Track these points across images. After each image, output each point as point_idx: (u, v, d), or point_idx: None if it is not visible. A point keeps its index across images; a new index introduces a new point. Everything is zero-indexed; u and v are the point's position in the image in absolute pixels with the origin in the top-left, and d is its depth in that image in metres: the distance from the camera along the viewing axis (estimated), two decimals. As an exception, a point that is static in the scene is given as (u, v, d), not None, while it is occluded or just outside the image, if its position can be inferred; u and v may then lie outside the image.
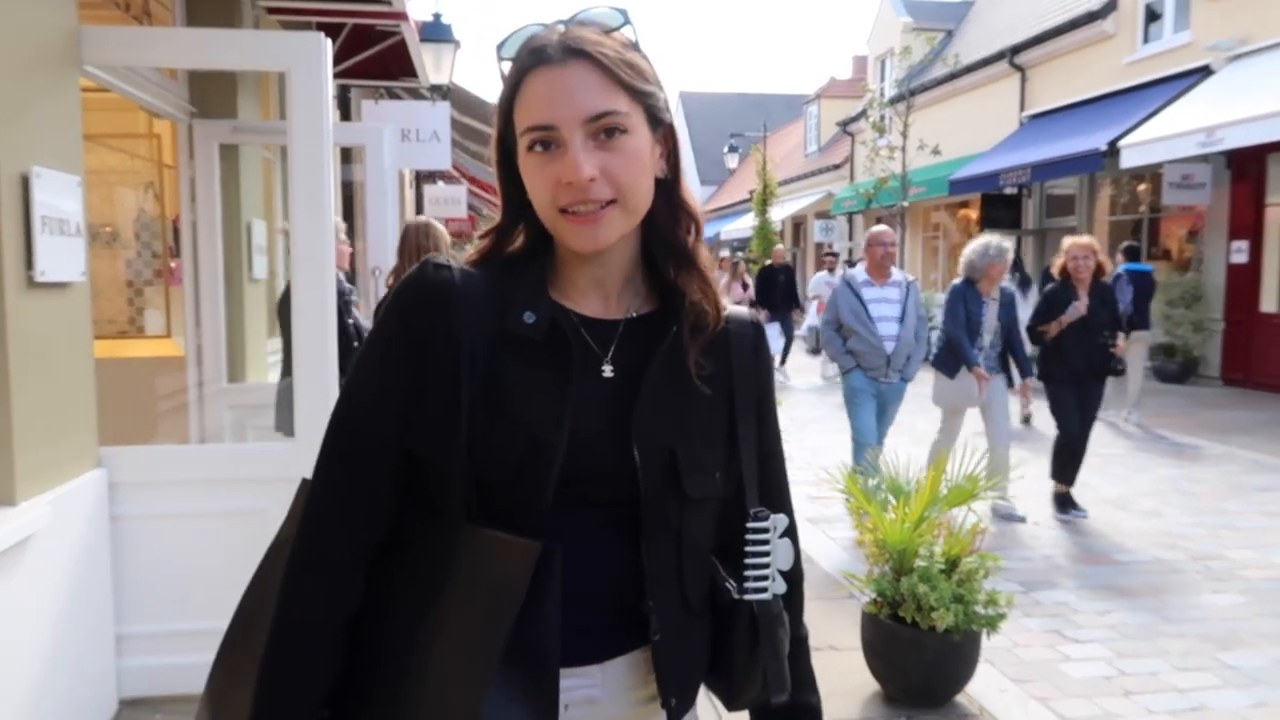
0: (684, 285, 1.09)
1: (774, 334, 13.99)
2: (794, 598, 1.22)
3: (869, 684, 3.44)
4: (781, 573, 1.15)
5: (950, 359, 5.83)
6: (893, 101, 17.79)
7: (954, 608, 3.14)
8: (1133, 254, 10.18)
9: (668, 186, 1.09)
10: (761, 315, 11.58)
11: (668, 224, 1.09)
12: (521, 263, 1.09)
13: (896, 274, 5.74)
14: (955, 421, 6.09)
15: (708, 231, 32.44)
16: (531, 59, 1.00)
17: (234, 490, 3.11)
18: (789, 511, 1.20)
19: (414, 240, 4.09)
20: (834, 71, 37.63)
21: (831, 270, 13.76)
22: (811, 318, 15.19)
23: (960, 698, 3.35)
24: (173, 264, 5.34)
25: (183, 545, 3.10)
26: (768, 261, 13.99)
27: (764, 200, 24.16)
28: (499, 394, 1.01)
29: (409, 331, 1.04)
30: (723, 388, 1.12)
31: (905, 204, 16.95)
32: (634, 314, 1.10)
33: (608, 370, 1.07)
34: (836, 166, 25.14)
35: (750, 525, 1.13)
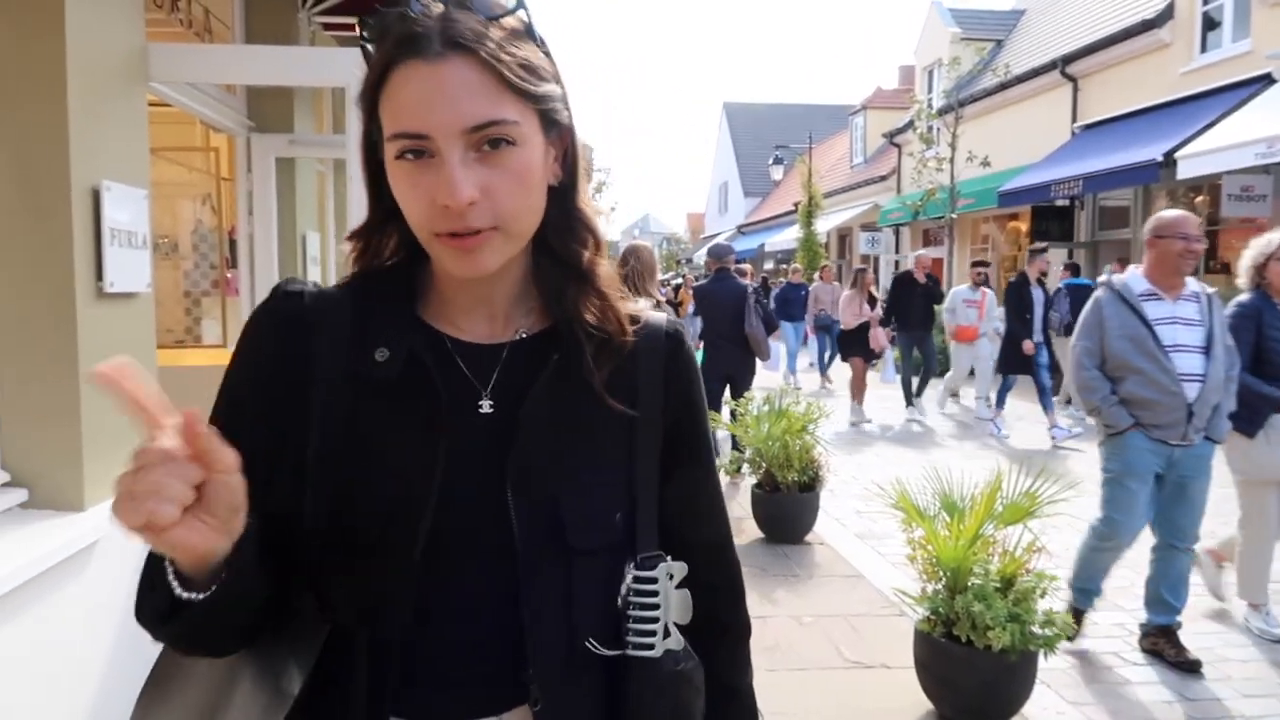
0: (579, 305, 0.95)
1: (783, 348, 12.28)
2: (723, 648, 1.08)
3: (922, 703, 3.39)
4: (679, 626, 0.98)
5: (1247, 410, 3.91)
6: (940, 113, 17.62)
7: (1010, 627, 3.08)
8: (1074, 270, 12.43)
9: (562, 194, 0.95)
10: (883, 336, 10.36)
11: (561, 237, 0.95)
12: (390, 278, 0.96)
13: (1192, 283, 3.88)
14: (1265, 500, 4.10)
15: (752, 243, 32.06)
16: (402, 49, 0.83)
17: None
18: (719, 549, 1.08)
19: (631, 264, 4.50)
20: (880, 82, 37.40)
21: (976, 285, 10.39)
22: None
23: (1016, 719, 3.29)
24: (229, 275, 5.45)
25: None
26: (907, 269, 11.18)
27: (809, 212, 24.05)
28: (356, 441, 0.89)
29: (253, 370, 0.93)
30: (623, 416, 0.96)
31: (953, 216, 16.78)
32: (523, 334, 0.97)
33: (485, 405, 0.93)
34: (883, 178, 24.94)
35: (635, 574, 0.96)
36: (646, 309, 1.03)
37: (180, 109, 3.74)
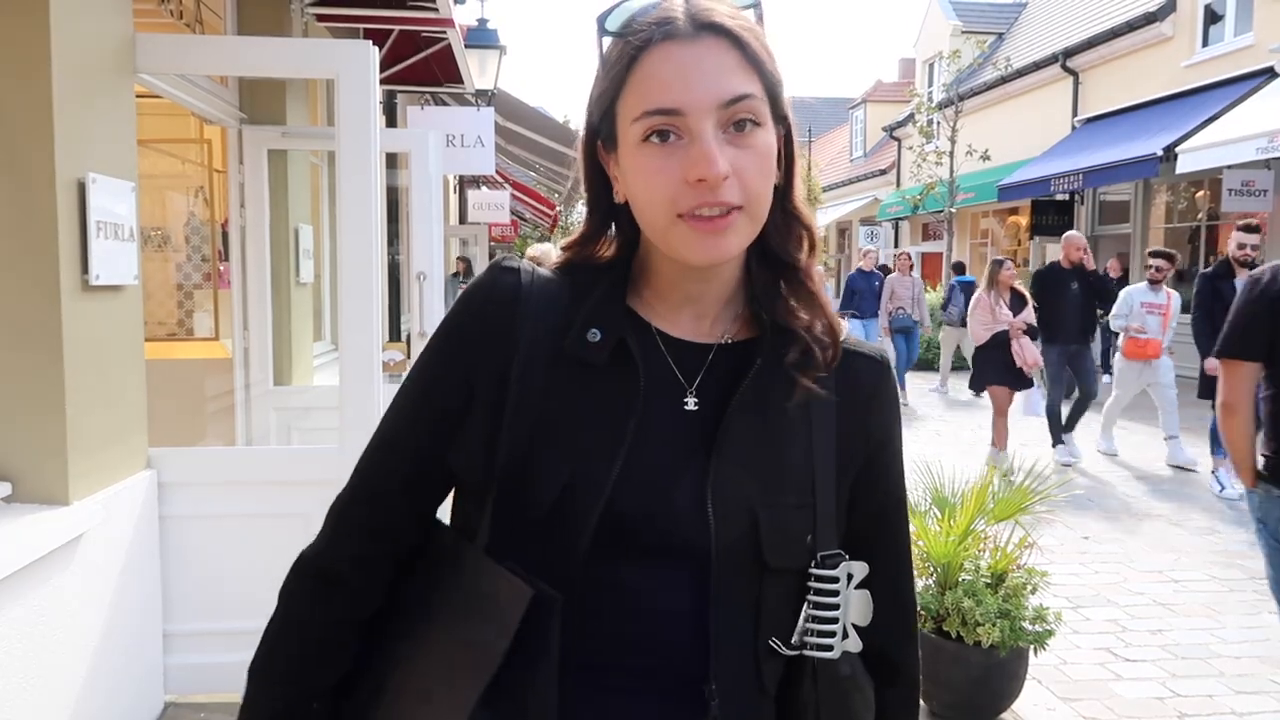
0: (794, 307, 0.93)
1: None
2: (893, 693, 1.04)
3: (912, 699, 3.38)
4: (857, 627, 0.95)
5: None
6: (941, 106, 17.58)
7: (1000, 623, 3.07)
8: (960, 269, 13.88)
9: (781, 193, 0.93)
10: (1032, 350, 7.47)
11: (780, 236, 0.93)
12: (606, 271, 0.95)
13: None
14: None
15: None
16: (654, 32, 0.84)
17: (280, 492, 3.14)
18: (896, 584, 1.02)
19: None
20: (880, 74, 37.27)
21: (1156, 283, 7.71)
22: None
23: (1006, 715, 3.29)
24: (221, 267, 5.44)
25: (228, 546, 3.14)
26: (1054, 260, 8.38)
27: (809, 206, 24.00)
28: (549, 418, 0.89)
29: (460, 340, 0.94)
30: (829, 432, 0.95)
31: (953, 210, 16.75)
32: (729, 339, 0.95)
33: (691, 403, 0.91)
34: (883, 172, 24.92)
35: (815, 573, 0.93)
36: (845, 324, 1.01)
37: (170, 100, 3.72)
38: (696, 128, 0.83)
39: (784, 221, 0.94)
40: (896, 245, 23.55)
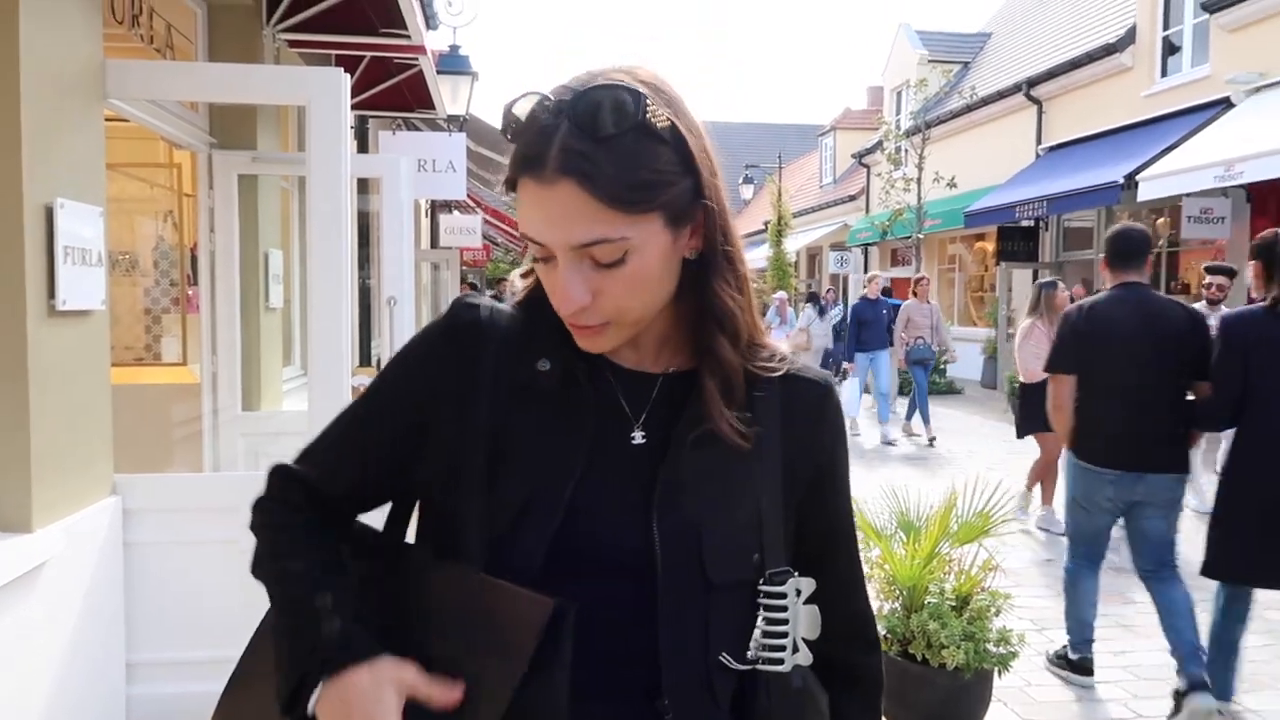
0: (720, 349, 0.98)
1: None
2: (854, 699, 1.09)
3: (879, 722, 3.40)
4: (808, 642, 1.00)
5: None
6: (908, 134, 17.85)
7: (965, 645, 3.12)
8: (887, 293, 12.91)
9: (704, 261, 0.96)
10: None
11: (710, 304, 0.97)
12: None
13: None
14: None
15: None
16: (521, 167, 0.89)
17: (245, 520, 3.12)
18: (851, 589, 1.10)
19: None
20: (849, 102, 37.81)
21: (1214, 303, 6.69)
22: None
23: (972, 737, 3.32)
24: (190, 292, 5.41)
25: (195, 573, 3.11)
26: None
27: (779, 231, 24.23)
28: (506, 445, 0.95)
29: (421, 369, 1.01)
30: (773, 457, 1.00)
31: (921, 236, 16.97)
32: (673, 370, 1.01)
33: (638, 436, 0.98)
34: (852, 198, 25.20)
35: (762, 588, 0.98)
36: (789, 351, 1.06)
37: (139, 124, 3.72)
38: (559, 258, 0.90)
39: (709, 276, 0.97)
40: (866, 270, 23.78)
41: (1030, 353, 6.28)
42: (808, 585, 0.99)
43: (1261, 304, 3.43)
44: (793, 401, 1.03)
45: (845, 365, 10.97)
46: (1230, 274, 7.13)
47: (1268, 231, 3.54)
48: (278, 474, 1.08)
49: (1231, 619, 3.57)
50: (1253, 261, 3.52)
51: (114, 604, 2.99)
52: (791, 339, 13.40)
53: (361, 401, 1.07)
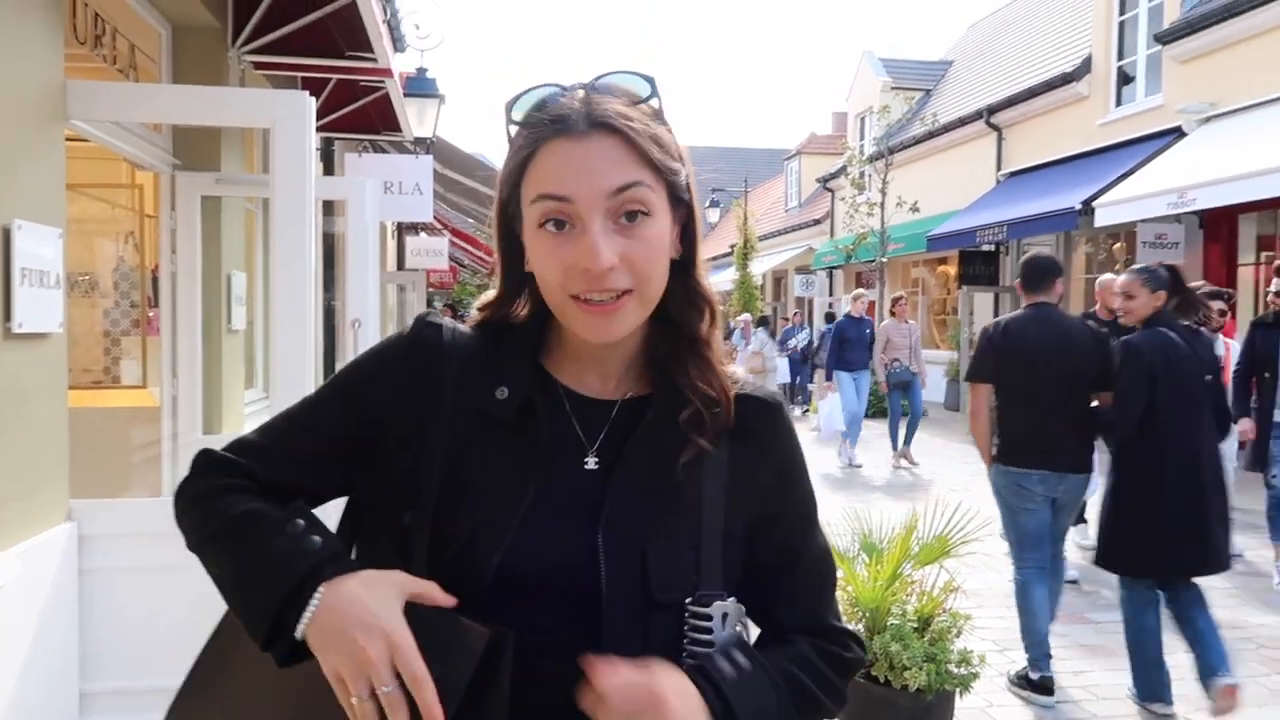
0: (687, 371, 1.00)
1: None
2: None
3: (843, 744, 3.41)
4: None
5: None
6: (872, 159, 18.10)
7: (927, 667, 3.14)
8: (830, 318, 14.75)
9: (682, 267, 1.01)
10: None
11: (680, 307, 1.01)
12: (520, 330, 1.03)
13: None
14: None
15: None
16: (551, 128, 0.92)
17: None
18: (820, 606, 1.07)
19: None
20: (814, 127, 38.21)
21: (1215, 330, 5.72)
22: None
23: (934, 758, 3.33)
24: (151, 314, 5.35)
25: (152, 600, 3.06)
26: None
27: (745, 254, 24.41)
28: (459, 468, 0.96)
29: (378, 383, 1.02)
30: (719, 477, 1.01)
31: (884, 260, 17.18)
32: (630, 395, 1.03)
33: (591, 462, 0.99)
34: (817, 221, 25.46)
35: (689, 608, 0.97)
36: (743, 375, 1.07)
37: (101, 145, 3.69)
38: (586, 217, 0.90)
39: (685, 295, 1.02)
40: (831, 294, 24.01)
41: None
42: (735, 610, 0.99)
43: (1163, 328, 3.93)
44: (743, 422, 1.03)
45: (826, 384, 10.88)
46: (1227, 298, 6.92)
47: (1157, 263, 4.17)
48: (205, 456, 1.05)
49: (1139, 606, 3.91)
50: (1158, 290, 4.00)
51: (67, 632, 2.93)
52: (747, 362, 13.51)
53: (308, 401, 1.07)
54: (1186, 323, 4.05)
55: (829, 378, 10.74)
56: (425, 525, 0.94)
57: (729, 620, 0.98)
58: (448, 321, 1.05)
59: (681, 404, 0.99)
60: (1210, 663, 3.70)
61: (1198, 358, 3.97)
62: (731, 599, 0.99)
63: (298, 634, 0.88)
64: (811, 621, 1.07)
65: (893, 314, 10.79)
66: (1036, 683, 4.02)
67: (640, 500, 0.97)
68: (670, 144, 0.96)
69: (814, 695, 1.01)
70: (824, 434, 10.70)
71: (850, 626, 1.09)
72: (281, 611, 0.89)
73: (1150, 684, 3.87)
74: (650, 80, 0.97)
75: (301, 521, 0.95)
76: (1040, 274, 4.29)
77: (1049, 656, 4.04)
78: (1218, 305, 6.33)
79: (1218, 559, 3.85)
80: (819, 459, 10.97)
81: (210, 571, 0.99)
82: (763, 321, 17.23)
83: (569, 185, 0.90)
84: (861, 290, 11.53)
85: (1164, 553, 3.80)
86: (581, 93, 0.94)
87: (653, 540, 0.96)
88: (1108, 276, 6.70)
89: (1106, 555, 3.97)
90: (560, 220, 0.91)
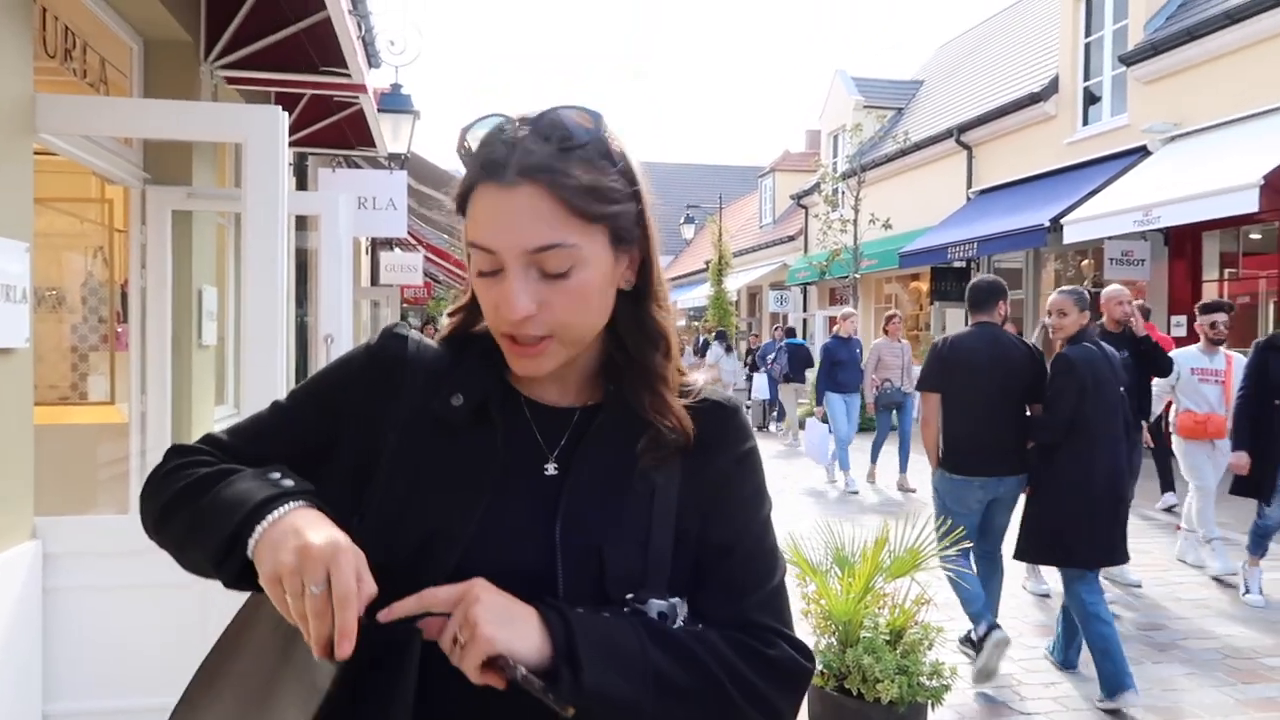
0: (639, 396, 1.02)
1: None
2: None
3: (817, 758, 3.42)
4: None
5: None
6: (844, 177, 18.27)
7: (899, 679, 3.16)
8: (790, 333, 15.70)
9: (635, 298, 1.02)
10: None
11: (635, 340, 1.03)
12: (481, 340, 1.05)
13: None
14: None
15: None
16: (481, 173, 0.94)
17: (173, 563, 3.05)
18: (740, 620, 1.01)
19: None
20: (788, 143, 38.53)
21: (1215, 343, 6.37)
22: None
23: (907, 772, 3.34)
24: (119, 329, 5.29)
25: (119, 619, 3.02)
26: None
27: (719, 270, 24.52)
28: (417, 474, 0.98)
29: (345, 391, 1.05)
30: (672, 479, 1.02)
31: (857, 276, 17.32)
32: (590, 403, 1.05)
33: (551, 468, 1.01)
34: (791, 238, 25.63)
35: (630, 605, 0.97)
36: (703, 379, 1.08)
37: (70, 159, 3.66)
38: (508, 266, 0.93)
39: (638, 326, 1.03)
40: (805, 309, 24.16)
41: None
42: (672, 608, 0.98)
43: (1087, 342, 4.38)
44: (698, 427, 1.04)
45: (816, 409, 10.60)
46: (1228, 310, 6.50)
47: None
48: (175, 450, 1.10)
49: (1090, 587, 4.16)
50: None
51: (31, 651, 2.88)
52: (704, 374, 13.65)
53: (277, 406, 1.11)
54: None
55: (820, 401, 10.36)
56: (372, 528, 0.96)
57: (668, 619, 0.97)
58: (414, 334, 1.08)
59: (636, 406, 1.02)
60: (1064, 644, 4.51)
61: (1114, 371, 4.41)
62: (677, 599, 0.99)
63: (251, 541, 0.89)
64: (733, 614, 1.01)
65: (886, 332, 10.33)
66: (984, 635, 4.22)
67: (596, 500, 0.99)
68: (609, 188, 0.95)
69: (713, 675, 0.95)
70: (814, 458, 10.43)
71: (802, 638, 1.05)
72: (240, 528, 0.90)
73: (1118, 675, 3.97)
74: (596, 116, 0.96)
75: (280, 472, 0.97)
76: (985, 296, 4.79)
77: (987, 609, 4.36)
78: (1220, 317, 6.30)
79: (1125, 548, 4.36)
80: (795, 472, 10.99)
81: (174, 532, 1.03)
82: (720, 335, 17.31)
83: (493, 239, 0.93)
84: (850, 310, 10.89)
85: (1093, 540, 4.19)
86: (525, 130, 0.94)
87: (609, 539, 0.97)
88: (1115, 287, 6.31)
89: (1034, 550, 4.39)
90: (491, 269, 0.94)
